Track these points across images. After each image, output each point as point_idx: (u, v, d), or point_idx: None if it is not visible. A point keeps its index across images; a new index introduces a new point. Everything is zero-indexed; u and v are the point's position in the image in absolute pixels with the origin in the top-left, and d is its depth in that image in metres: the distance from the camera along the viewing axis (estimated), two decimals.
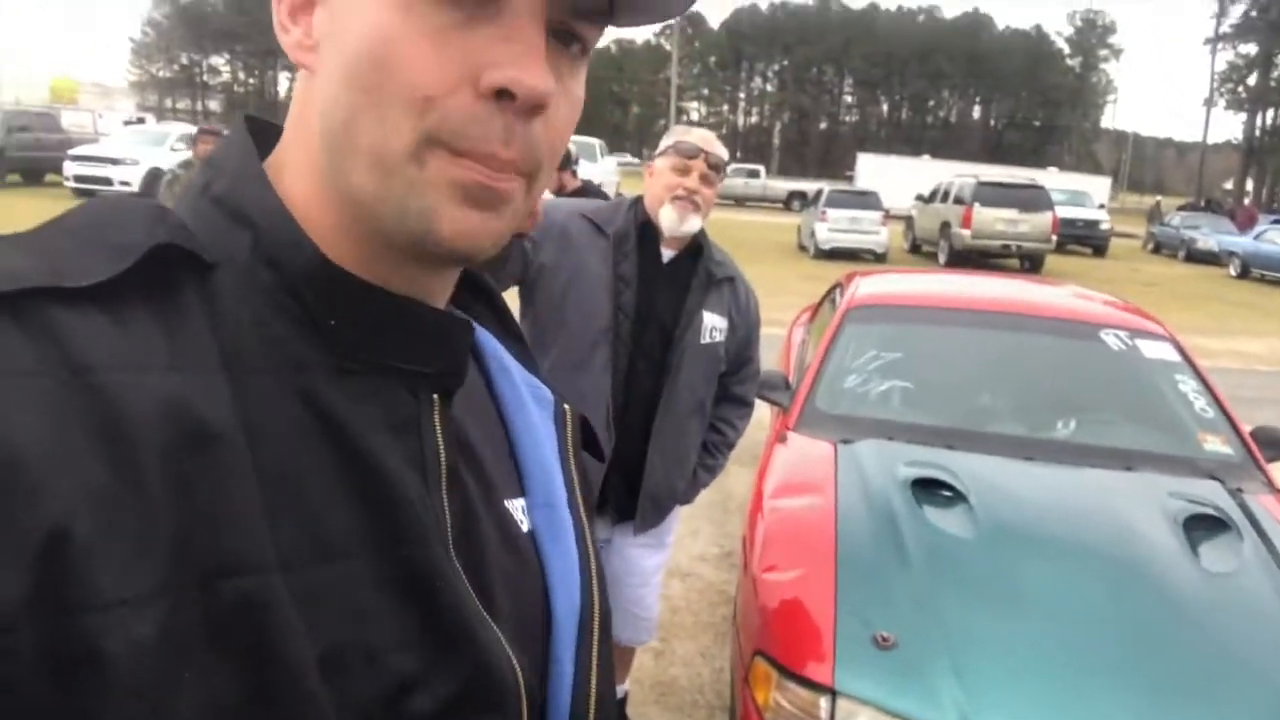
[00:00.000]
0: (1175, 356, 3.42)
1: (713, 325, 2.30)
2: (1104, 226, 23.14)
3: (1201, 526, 2.50)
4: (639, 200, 2.27)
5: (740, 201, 35.84)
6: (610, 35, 0.54)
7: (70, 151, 18.28)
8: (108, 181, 17.23)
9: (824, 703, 1.96)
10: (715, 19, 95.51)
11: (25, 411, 0.40)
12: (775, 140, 74.53)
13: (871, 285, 4.01)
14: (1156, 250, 25.61)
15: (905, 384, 3.39)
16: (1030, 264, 18.03)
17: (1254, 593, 2.25)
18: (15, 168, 19.44)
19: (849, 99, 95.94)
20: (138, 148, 17.92)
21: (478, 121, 0.48)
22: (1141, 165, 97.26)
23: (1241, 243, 20.72)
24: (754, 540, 2.55)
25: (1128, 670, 1.98)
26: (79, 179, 17.56)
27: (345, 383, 0.50)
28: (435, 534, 0.51)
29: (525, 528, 0.62)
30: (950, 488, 2.62)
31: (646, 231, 2.23)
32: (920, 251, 20.19)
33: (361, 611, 0.47)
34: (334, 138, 0.50)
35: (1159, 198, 37.80)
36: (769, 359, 5.48)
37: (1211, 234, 22.80)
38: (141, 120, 29.99)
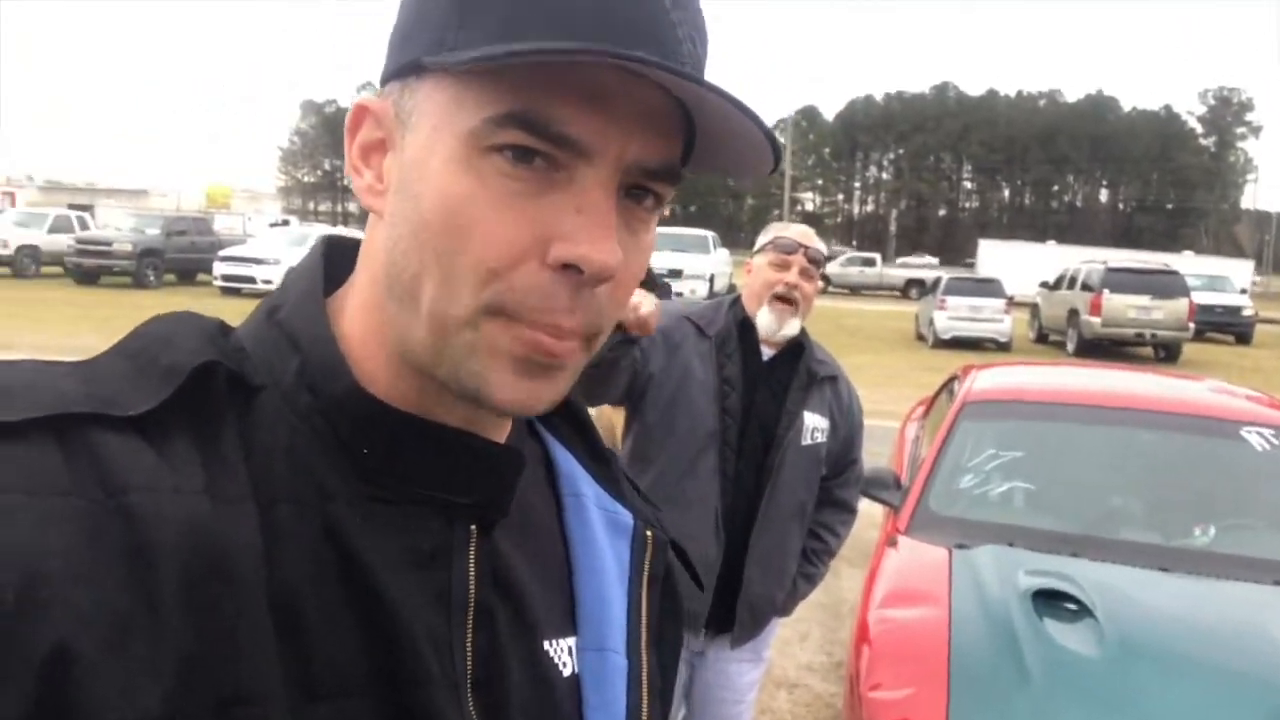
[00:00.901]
0: None
1: (814, 426, 2.24)
2: (1247, 312, 21.82)
3: None
4: (738, 300, 2.26)
5: (855, 290, 35.52)
6: None
7: (220, 253, 19.70)
8: (251, 280, 18.46)
9: None
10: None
11: (51, 530, 0.41)
12: (892, 228, 73.97)
13: (990, 378, 3.86)
14: None
15: (1027, 485, 3.21)
16: (1166, 353, 17.13)
17: None
18: (172, 268, 21.04)
19: (968, 185, 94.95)
20: (280, 248, 19.17)
21: (543, 293, 0.48)
22: None
23: None
24: (860, 654, 2.42)
25: None
26: (225, 278, 18.89)
27: (371, 512, 0.50)
28: (444, 676, 0.50)
29: (569, 671, 0.58)
30: (1075, 600, 2.44)
31: (746, 330, 2.21)
32: (1047, 341, 19.47)
33: None
34: (398, 289, 0.51)
35: None
36: (881, 454, 5.35)
37: None
38: (286, 223, 32.23)
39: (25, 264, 20.76)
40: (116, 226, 21.63)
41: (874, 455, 5.31)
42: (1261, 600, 2.50)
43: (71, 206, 25.57)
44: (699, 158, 0.54)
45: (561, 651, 0.59)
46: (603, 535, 0.64)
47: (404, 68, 0.51)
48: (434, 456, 0.53)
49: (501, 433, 0.58)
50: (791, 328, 2.18)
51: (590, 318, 0.51)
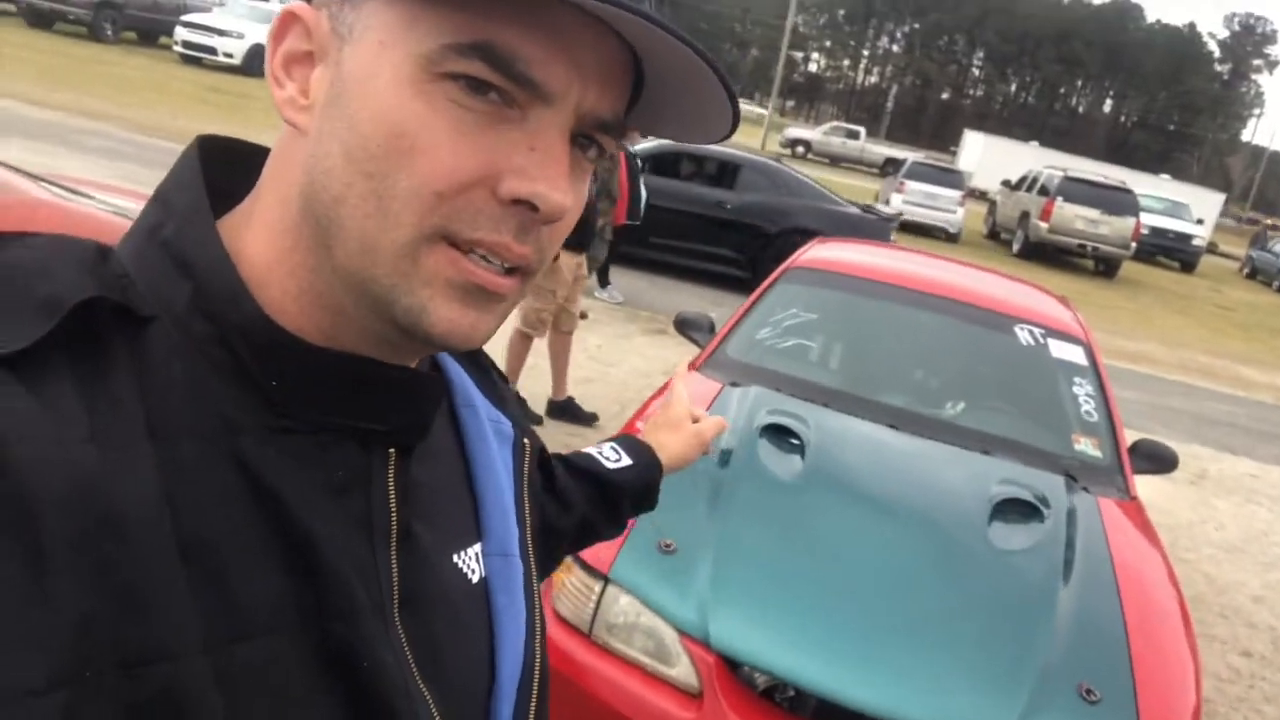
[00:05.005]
0: (1083, 360, 3.54)
1: None
2: (1196, 242, 22.21)
3: (1013, 510, 2.69)
4: None
5: (835, 161, 35.25)
6: None
7: (182, 17, 19.01)
8: (213, 51, 17.96)
9: (597, 587, 2.26)
10: None
11: None
12: (889, 104, 72.37)
13: (821, 251, 4.17)
14: (1252, 275, 24.54)
15: (813, 344, 3.60)
16: (1105, 267, 17.55)
17: (1023, 569, 2.46)
18: (132, 25, 20.29)
19: (976, 72, 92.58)
20: (245, 22, 18.53)
21: (491, 218, 0.47)
22: (1278, 187, 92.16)
23: None
24: None
25: (867, 606, 2.23)
26: (186, 45, 18.33)
27: (283, 443, 0.48)
28: (369, 604, 0.50)
29: (477, 577, 0.60)
30: (798, 437, 2.85)
31: None
32: (998, 238, 19.76)
33: (284, 690, 0.46)
34: (322, 210, 0.48)
35: (1270, 221, 35.92)
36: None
37: None
38: None
39: None
40: None
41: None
42: (952, 462, 2.93)
43: None
44: (650, 115, 0.55)
45: (469, 559, 0.60)
46: (494, 444, 0.65)
47: None
48: (348, 386, 0.51)
49: (414, 359, 0.56)
50: None
51: (536, 250, 0.50)
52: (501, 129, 0.47)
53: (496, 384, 0.70)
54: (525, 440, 0.69)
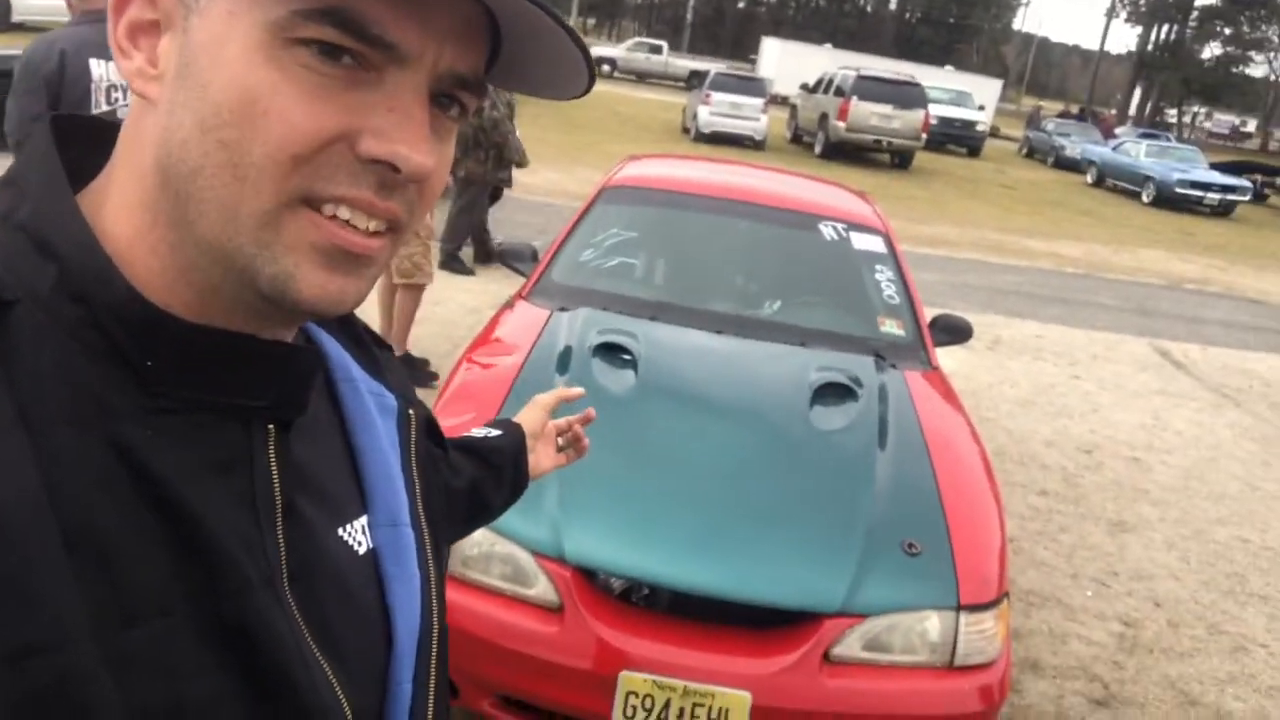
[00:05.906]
0: (883, 249, 3.79)
1: None
2: (980, 128, 23.82)
3: (831, 394, 2.90)
4: None
5: (642, 78, 35.28)
6: None
7: None
8: None
9: None
10: None
11: None
12: (689, 15, 72.66)
13: (635, 168, 4.24)
14: (1030, 155, 26.52)
15: (635, 261, 3.68)
16: (900, 160, 18.53)
17: (843, 445, 2.67)
18: None
19: None
20: None
21: (350, 174, 0.48)
22: (1048, 70, 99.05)
23: (1101, 152, 21.66)
24: (443, 390, 2.83)
25: (706, 501, 2.37)
26: None
27: (162, 424, 0.48)
28: (259, 578, 0.50)
29: (364, 549, 0.61)
30: (629, 352, 2.94)
31: None
32: (801, 142, 20.40)
33: (180, 669, 0.46)
34: (180, 183, 0.47)
35: (1040, 104, 38.83)
36: None
37: (1079, 142, 23.74)
38: None
39: None
40: None
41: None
42: (773, 356, 3.10)
43: None
44: (508, 72, 0.55)
45: (356, 531, 0.61)
46: (377, 416, 0.66)
47: None
48: (224, 363, 0.51)
49: (288, 332, 0.56)
50: None
51: (402, 205, 0.50)
52: (358, 92, 0.47)
53: (375, 355, 0.70)
54: (410, 411, 0.70)
